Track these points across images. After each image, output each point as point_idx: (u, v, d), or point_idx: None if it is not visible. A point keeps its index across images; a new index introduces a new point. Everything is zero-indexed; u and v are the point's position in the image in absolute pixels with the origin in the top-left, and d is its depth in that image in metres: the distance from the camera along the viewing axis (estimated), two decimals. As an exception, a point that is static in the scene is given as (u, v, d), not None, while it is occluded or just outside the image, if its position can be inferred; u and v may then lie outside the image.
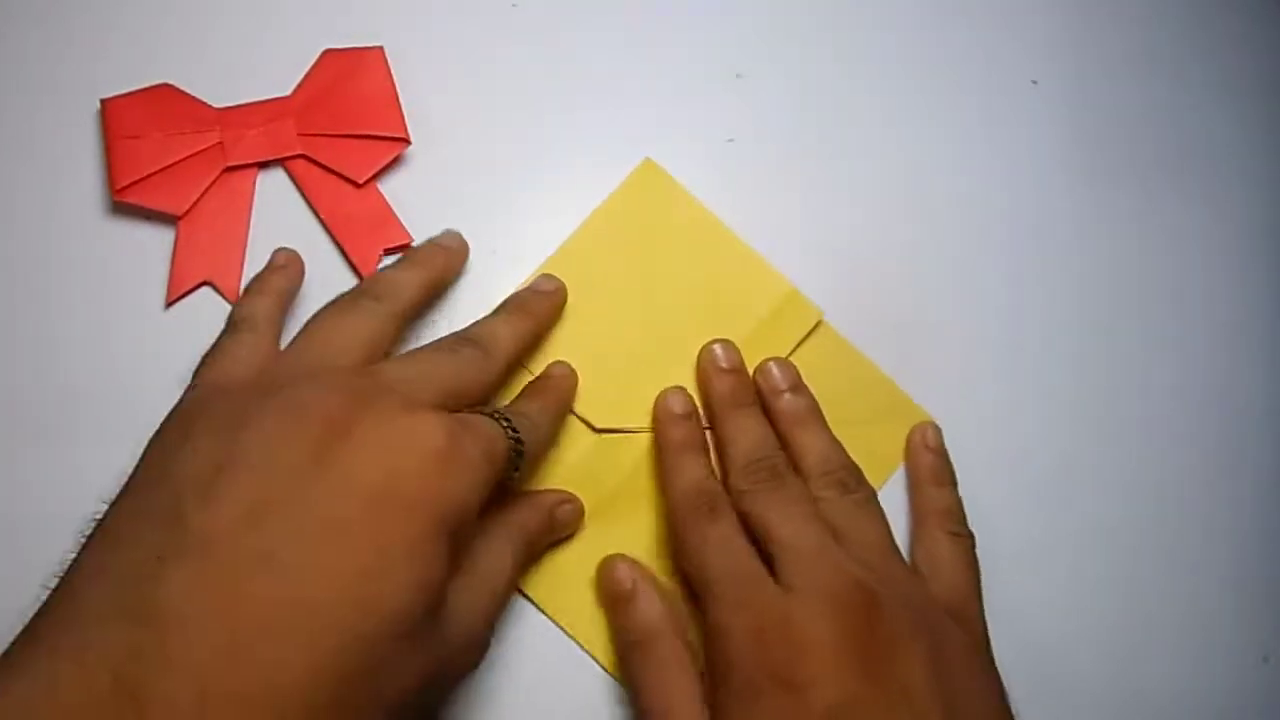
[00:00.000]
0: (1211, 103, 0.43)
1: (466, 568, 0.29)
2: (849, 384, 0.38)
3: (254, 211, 0.37)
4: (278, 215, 0.37)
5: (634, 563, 0.35)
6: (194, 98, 0.36)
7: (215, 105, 0.36)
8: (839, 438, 0.36)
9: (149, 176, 0.35)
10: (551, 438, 0.36)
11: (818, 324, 0.38)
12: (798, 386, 0.37)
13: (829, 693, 0.29)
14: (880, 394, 0.39)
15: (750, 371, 0.37)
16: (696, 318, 0.38)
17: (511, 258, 0.38)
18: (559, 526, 0.35)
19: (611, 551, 0.35)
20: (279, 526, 0.24)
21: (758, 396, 0.37)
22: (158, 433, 0.29)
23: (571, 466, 0.36)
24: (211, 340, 0.33)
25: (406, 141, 0.37)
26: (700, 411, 0.37)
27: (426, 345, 0.33)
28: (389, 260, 0.37)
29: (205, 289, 0.36)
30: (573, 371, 0.36)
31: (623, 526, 0.36)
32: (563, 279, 0.37)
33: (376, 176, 0.37)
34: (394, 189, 0.37)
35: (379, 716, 0.25)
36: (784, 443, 0.36)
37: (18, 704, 0.22)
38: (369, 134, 0.37)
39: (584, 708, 0.35)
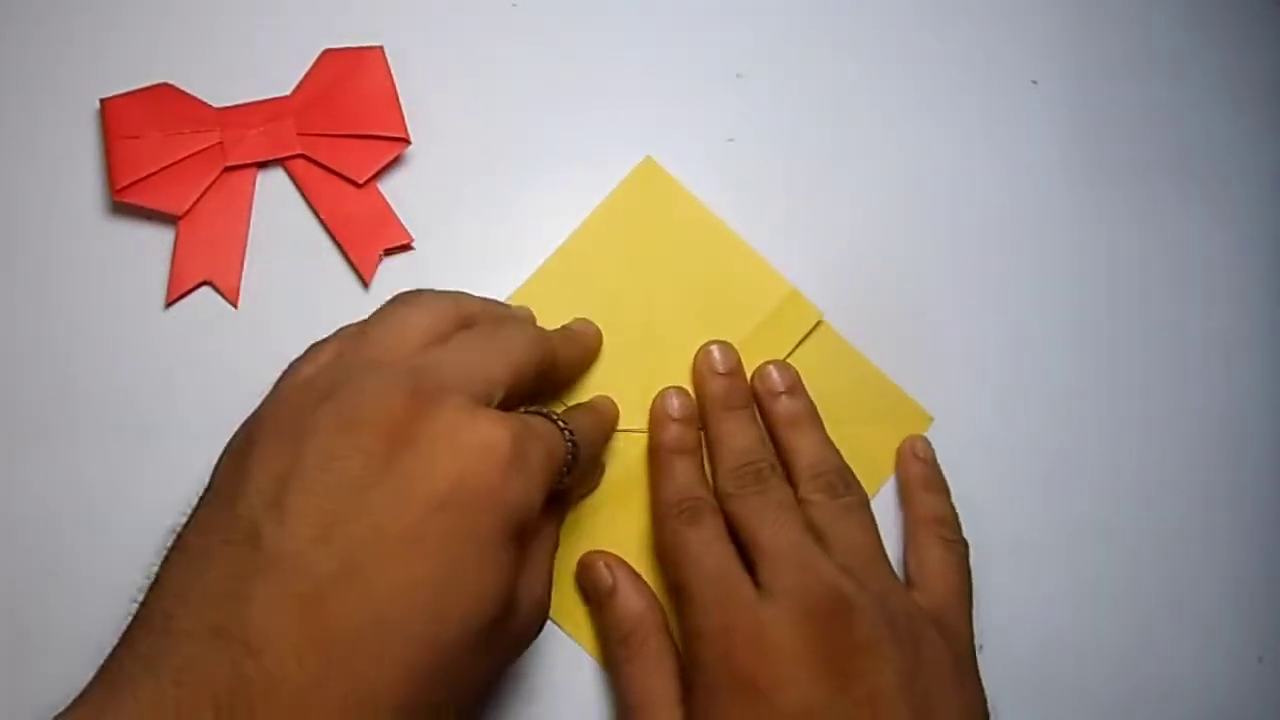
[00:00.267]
0: (1211, 103, 0.43)
1: (527, 559, 0.29)
2: (849, 384, 0.38)
3: (254, 211, 0.37)
4: (278, 215, 0.37)
5: (613, 558, 0.35)
6: (194, 98, 0.36)
7: (215, 105, 0.36)
8: (838, 438, 0.36)
9: (149, 176, 0.35)
10: (599, 454, 0.35)
11: (817, 324, 0.38)
12: (795, 389, 0.37)
13: (791, 697, 0.29)
14: (880, 394, 0.39)
15: (749, 373, 0.37)
16: (696, 317, 0.38)
17: (512, 258, 0.38)
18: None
19: (612, 551, 0.35)
20: (351, 541, 0.24)
21: (753, 399, 0.37)
22: (230, 441, 0.28)
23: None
24: (211, 340, 0.32)
25: (406, 141, 0.37)
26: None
27: (470, 331, 0.31)
28: (389, 260, 0.37)
29: (205, 289, 0.36)
30: (615, 404, 0.36)
31: (621, 526, 0.36)
32: (563, 278, 0.37)
33: (376, 176, 0.37)
34: (394, 189, 0.37)
35: (453, 710, 0.26)
36: (778, 445, 0.36)
37: None
38: (369, 134, 0.37)
39: (584, 707, 0.35)
